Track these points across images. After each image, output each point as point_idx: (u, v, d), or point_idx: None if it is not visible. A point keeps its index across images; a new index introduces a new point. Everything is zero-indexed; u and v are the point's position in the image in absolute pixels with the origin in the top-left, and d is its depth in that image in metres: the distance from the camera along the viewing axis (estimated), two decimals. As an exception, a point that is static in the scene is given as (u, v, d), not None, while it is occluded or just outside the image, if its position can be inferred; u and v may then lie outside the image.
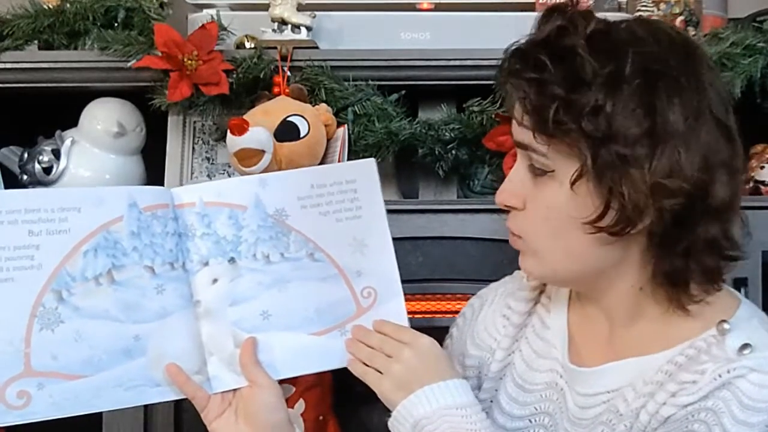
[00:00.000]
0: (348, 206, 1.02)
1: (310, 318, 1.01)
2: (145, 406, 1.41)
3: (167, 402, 1.40)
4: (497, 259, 1.37)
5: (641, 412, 0.90)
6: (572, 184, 0.87)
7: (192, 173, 1.55)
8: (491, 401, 1.06)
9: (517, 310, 1.08)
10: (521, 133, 0.90)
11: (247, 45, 1.48)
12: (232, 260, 1.00)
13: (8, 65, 1.47)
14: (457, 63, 1.43)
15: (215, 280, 1.00)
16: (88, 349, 0.95)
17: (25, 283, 0.93)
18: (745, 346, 0.87)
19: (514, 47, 0.92)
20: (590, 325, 1.00)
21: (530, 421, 1.02)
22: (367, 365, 0.99)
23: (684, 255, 0.89)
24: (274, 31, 1.47)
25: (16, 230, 0.93)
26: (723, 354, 0.88)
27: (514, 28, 1.44)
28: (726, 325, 0.89)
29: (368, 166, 1.04)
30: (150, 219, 0.98)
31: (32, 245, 0.93)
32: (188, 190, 1.02)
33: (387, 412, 0.97)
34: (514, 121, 0.92)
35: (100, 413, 1.40)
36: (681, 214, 0.86)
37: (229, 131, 1.30)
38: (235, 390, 1.00)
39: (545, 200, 0.91)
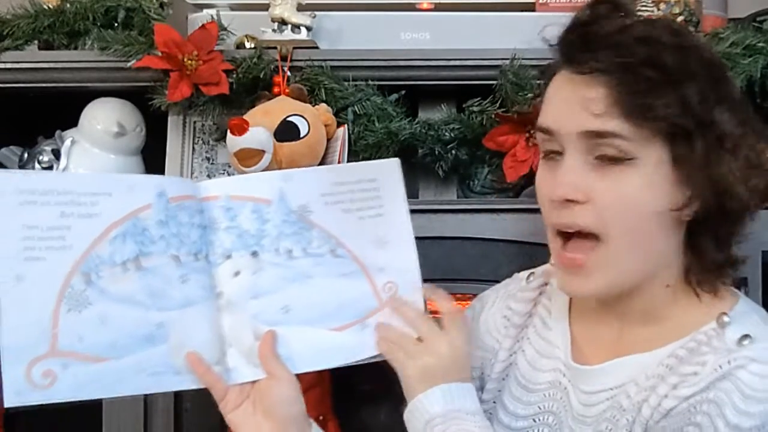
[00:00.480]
0: (371, 204, 1.03)
1: (330, 313, 1.02)
2: (145, 405, 1.42)
3: (167, 401, 1.43)
4: (497, 259, 1.37)
5: (643, 406, 0.91)
6: (674, 167, 0.88)
7: (192, 173, 1.55)
8: (494, 402, 1.07)
9: (517, 310, 1.08)
10: (598, 121, 0.88)
11: (247, 45, 1.48)
12: (254, 254, 1.01)
13: (8, 65, 1.46)
14: (457, 63, 1.43)
15: (237, 273, 1.01)
16: (112, 333, 0.95)
17: (55, 263, 0.93)
18: (745, 337, 0.88)
19: (584, 35, 0.90)
20: (595, 325, 1.01)
21: (534, 420, 1.03)
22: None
23: (715, 248, 0.93)
24: (274, 31, 1.47)
25: (48, 211, 0.93)
26: (723, 345, 0.89)
27: (514, 28, 1.47)
28: (726, 318, 0.90)
29: (392, 165, 1.06)
30: (177, 209, 0.99)
31: (64, 226, 0.94)
32: (215, 184, 1.03)
33: (399, 407, 0.98)
34: (567, 113, 0.90)
35: (101, 413, 1.41)
36: (736, 206, 0.91)
37: (229, 131, 1.30)
38: (253, 382, 1.00)
39: (624, 190, 0.89)
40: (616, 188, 0.89)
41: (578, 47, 0.90)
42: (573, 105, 0.89)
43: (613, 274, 0.91)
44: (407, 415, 0.97)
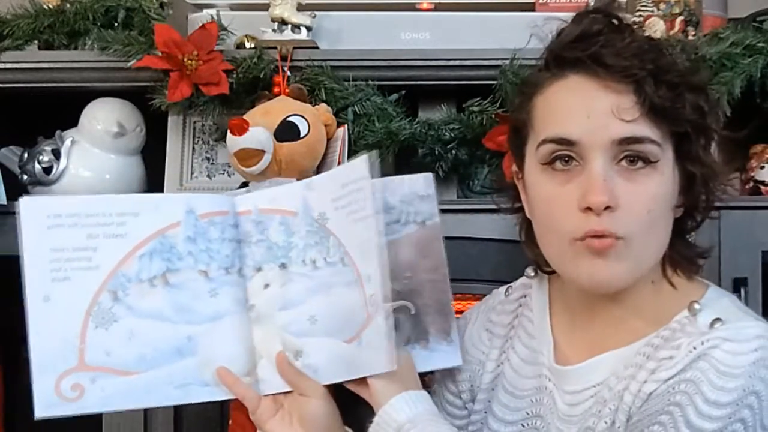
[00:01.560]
0: (361, 205, 0.99)
1: (343, 325, 1.01)
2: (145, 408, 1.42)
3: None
4: (497, 259, 1.37)
5: (625, 394, 0.94)
6: (679, 167, 0.95)
7: (192, 173, 1.55)
8: (485, 411, 1.09)
9: (499, 322, 1.12)
10: (630, 127, 0.90)
11: (247, 45, 1.48)
12: (282, 266, 1.03)
13: (8, 65, 1.47)
14: (457, 63, 1.43)
15: (267, 285, 1.03)
16: (140, 347, 0.98)
17: (81, 283, 0.97)
18: (717, 320, 0.91)
19: (610, 44, 0.93)
20: (574, 327, 1.03)
21: (523, 425, 1.06)
22: None
23: (686, 239, 1.00)
24: (274, 31, 1.47)
25: (75, 233, 0.97)
26: (696, 330, 0.92)
27: (514, 28, 1.46)
28: (697, 306, 0.94)
29: (369, 161, 1.02)
30: (207, 225, 1.02)
31: (90, 248, 0.98)
32: (246, 198, 1.06)
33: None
34: (596, 123, 0.91)
35: (101, 415, 1.41)
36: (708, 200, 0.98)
37: (229, 131, 1.30)
38: (286, 393, 1.02)
39: (649, 192, 0.92)
40: (642, 192, 0.91)
41: (606, 54, 0.91)
42: (602, 113, 0.91)
43: (635, 266, 0.94)
44: (374, 428, 0.97)
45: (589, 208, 0.90)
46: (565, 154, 0.93)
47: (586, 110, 0.91)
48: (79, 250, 0.97)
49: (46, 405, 0.94)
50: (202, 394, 1.01)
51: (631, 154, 0.91)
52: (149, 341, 0.98)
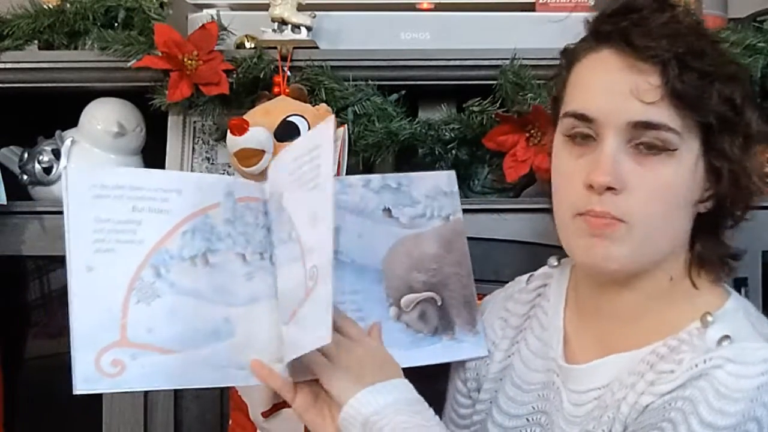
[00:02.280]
0: (312, 175, 0.97)
1: (284, 307, 0.99)
2: (145, 405, 1.42)
3: (168, 401, 1.43)
4: (497, 259, 1.37)
5: (622, 404, 0.92)
6: (705, 160, 0.91)
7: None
8: (491, 402, 1.07)
9: (514, 312, 1.09)
10: (649, 111, 0.88)
11: (247, 45, 1.48)
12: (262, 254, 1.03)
13: (8, 65, 1.46)
14: (457, 63, 1.43)
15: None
16: (180, 326, 0.97)
17: (125, 256, 0.96)
18: (725, 338, 0.88)
19: (639, 23, 0.90)
20: (587, 323, 1.01)
21: (528, 420, 1.04)
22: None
23: (716, 243, 0.96)
24: (274, 31, 1.47)
25: (120, 205, 0.96)
26: (702, 345, 0.89)
27: (514, 28, 1.47)
28: (709, 318, 0.91)
29: (329, 126, 1.00)
30: (243, 209, 1.02)
31: (134, 221, 0.97)
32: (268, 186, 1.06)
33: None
34: (615, 102, 0.89)
35: (101, 413, 1.41)
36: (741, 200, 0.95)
37: (229, 131, 1.30)
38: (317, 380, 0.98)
39: (660, 179, 0.90)
40: (653, 178, 0.89)
41: (635, 32, 0.89)
42: (621, 92, 0.89)
43: (636, 251, 0.92)
44: (342, 420, 0.94)
45: (592, 186, 0.90)
46: (583, 131, 0.92)
47: (608, 88, 0.90)
48: (123, 223, 0.96)
49: (85, 379, 0.92)
50: (238, 378, 1.00)
51: (647, 142, 0.89)
52: (189, 320, 0.97)
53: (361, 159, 1.41)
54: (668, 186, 0.90)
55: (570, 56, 0.97)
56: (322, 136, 0.98)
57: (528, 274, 1.13)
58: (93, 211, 0.95)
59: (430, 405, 0.97)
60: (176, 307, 0.97)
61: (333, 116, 1.02)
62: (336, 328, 0.94)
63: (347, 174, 1.27)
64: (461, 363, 1.12)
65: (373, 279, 1.07)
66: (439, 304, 1.10)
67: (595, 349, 0.99)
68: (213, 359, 0.98)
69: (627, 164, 0.89)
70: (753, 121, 0.92)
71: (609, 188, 0.89)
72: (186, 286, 0.97)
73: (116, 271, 0.95)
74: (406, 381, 0.97)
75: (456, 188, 1.12)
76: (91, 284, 0.94)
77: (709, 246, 0.95)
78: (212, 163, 1.56)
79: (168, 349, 0.96)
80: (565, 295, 1.05)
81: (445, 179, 1.12)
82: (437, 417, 0.96)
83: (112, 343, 0.93)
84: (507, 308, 1.10)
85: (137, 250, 0.96)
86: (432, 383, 1.09)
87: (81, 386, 0.92)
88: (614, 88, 0.89)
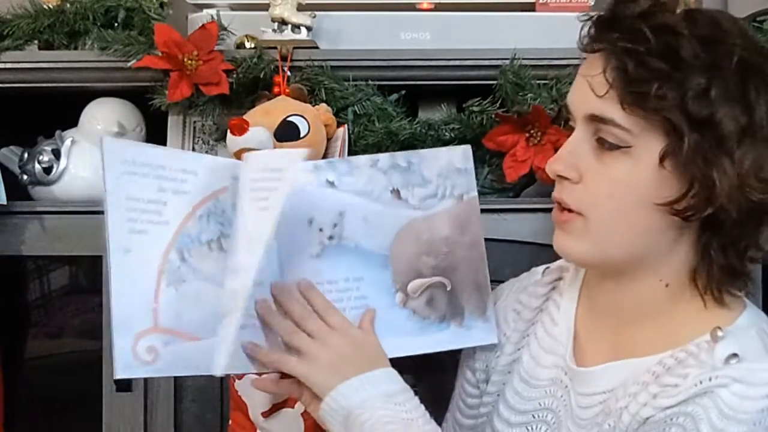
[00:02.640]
0: (266, 194, 0.97)
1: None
2: (145, 405, 1.42)
3: (168, 401, 1.43)
4: (497, 259, 1.36)
5: (623, 413, 0.90)
6: (661, 162, 0.86)
7: (192, 173, 1.55)
8: (498, 395, 1.06)
9: (527, 305, 1.08)
10: (600, 105, 0.88)
11: (247, 45, 1.48)
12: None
13: (8, 65, 1.46)
14: (457, 63, 1.43)
15: None
16: (203, 311, 0.95)
17: (155, 237, 0.94)
18: (733, 356, 0.86)
19: (605, 15, 0.90)
20: (596, 323, 1.00)
21: (533, 416, 1.03)
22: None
23: (726, 253, 0.90)
24: (274, 31, 1.47)
25: (147, 183, 0.94)
26: (710, 361, 0.87)
27: (514, 28, 1.47)
28: (719, 333, 0.89)
29: (300, 154, 1.00)
30: None
31: (161, 201, 0.95)
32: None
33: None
34: (579, 93, 0.91)
35: (101, 412, 1.41)
36: (743, 211, 0.87)
37: (229, 131, 1.30)
38: None
39: (613, 176, 0.89)
40: (606, 173, 0.89)
41: (597, 26, 0.90)
42: (582, 83, 0.90)
43: (596, 246, 0.92)
44: (323, 413, 0.93)
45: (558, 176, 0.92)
46: (572, 123, 0.94)
47: (578, 80, 0.92)
48: (151, 203, 0.94)
49: (124, 366, 0.91)
50: (258, 366, 0.98)
51: (601, 137, 0.89)
52: (210, 307, 0.95)
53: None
54: (618, 183, 0.89)
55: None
56: (290, 161, 0.98)
57: (544, 266, 1.11)
58: (125, 189, 0.93)
59: (438, 393, 0.96)
60: (199, 292, 0.95)
61: (306, 151, 1.02)
62: (319, 317, 0.95)
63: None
64: (471, 352, 1.10)
65: (379, 264, 1.03)
66: (449, 289, 1.05)
67: (603, 353, 0.98)
68: (233, 347, 0.96)
69: (587, 157, 0.90)
70: (726, 124, 0.85)
71: (564, 177, 0.91)
72: (206, 271, 0.96)
73: (149, 254, 0.93)
74: (391, 370, 0.96)
75: (471, 164, 1.06)
76: (129, 267, 0.92)
77: (709, 256, 0.91)
78: (212, 163, 1.56)
79: (194, 336, 0.95)
80: (578, 290, 1.04)
81: (460, 155, 1.06)
82: (422, 407, 0.95)
83: (147, 329, 0.92)
84: (520, 300, 1.09)
85: (165, 233, 0.94)
86: (442, 371, 1.07)
87: (121, 373, 0.91)
88: (579, 80, 0.91)
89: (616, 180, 0.89)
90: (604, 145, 0.89)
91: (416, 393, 0.97)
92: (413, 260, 1.04)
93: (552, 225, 0.97)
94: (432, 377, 0.99)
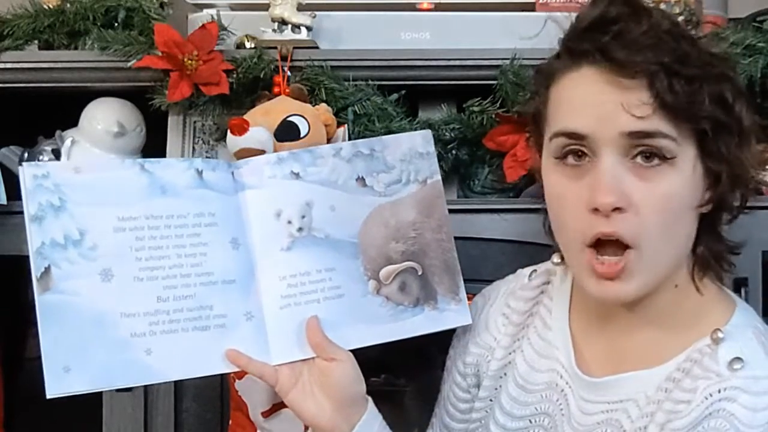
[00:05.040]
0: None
1: None
2: (145, 405, 1.42)
3: (168, 401, 1.43)
4: (497, 259, 1.37)
5: None
6: (697, 165, 0.89)
7: (192, 173, 1.55)
8: (491, 400, 1.06)
9: (516, 309, 1.07)
10: (643, 122, 0.85)
11: (247, 45, 1.48)
12: None
13: (8, 65, 1.46)
14: (457, 63, 1.43)
15: None
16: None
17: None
18: (737, 360, 0.87)
19: (622, 35, 0.86)
20: (596, 330, 1.00)
21: (530, 421, 1.03)
22: None
23: (717, 238, 0.95)
24: (274, 31, 1.47)
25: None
26: (715, 367, 0.88)
27: (514, 28, 1.47)
28: (720, 334, 0.89)
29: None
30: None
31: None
32: None
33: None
34: (606, 116, 0.86)
35: (101, 412, 1.41)
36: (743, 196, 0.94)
37: (229, 131, 1.30)
38: (305, 360, 0.99)
39: (661, 190, 0.87)
40: (657, 190, 0.86)
41: (614, 47, 0.86)
42: (611, 108, 0.86)
43: (649, 275, 0.89)
44: None
45: (597, 209, 0.86)
46: (576, 149, 0.88)
47: (596, 102, 0.86)
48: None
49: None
50: (221, 367, 0.98)
51: (645, 150, 0.86)
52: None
53: (361, 159, 1.41)
54: (670, 197, 0.87)
55: (546, 76, 0.93)
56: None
57: (530, 269, 1.10)
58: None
59: (429, 394, 0.97)
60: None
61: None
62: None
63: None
64: (462, 356, 1.10)
65: (350, 253, 1.03)
66: (420, 273, 1.06)
67: (608, 362, 0.97)
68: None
69: (628, 179, 0.86)
70: (744, 116, 0.89)
71: (616, 209, 0.85)
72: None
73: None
74: (373, 411, 0.99)
75: (432, 149, 1.08)
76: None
77: (711, 245, 0.93)
78: (212, 163, 1.56)
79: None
80: (569, 294, 1.04)
81: (420, 139, 1.08)
82: None
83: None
84: (509, 305, 1.08)
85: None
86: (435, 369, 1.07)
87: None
88: (603, 103, 0.86)
89: (665, 194, 0.87)
90: (642, 163, 0.86)
91: (407, 392, 0.99)
92: (383, 247, 1.05)
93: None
94: (423, 377, 0.99)
